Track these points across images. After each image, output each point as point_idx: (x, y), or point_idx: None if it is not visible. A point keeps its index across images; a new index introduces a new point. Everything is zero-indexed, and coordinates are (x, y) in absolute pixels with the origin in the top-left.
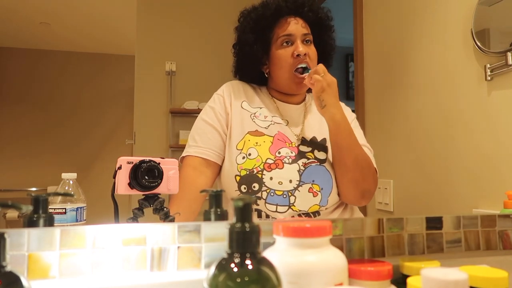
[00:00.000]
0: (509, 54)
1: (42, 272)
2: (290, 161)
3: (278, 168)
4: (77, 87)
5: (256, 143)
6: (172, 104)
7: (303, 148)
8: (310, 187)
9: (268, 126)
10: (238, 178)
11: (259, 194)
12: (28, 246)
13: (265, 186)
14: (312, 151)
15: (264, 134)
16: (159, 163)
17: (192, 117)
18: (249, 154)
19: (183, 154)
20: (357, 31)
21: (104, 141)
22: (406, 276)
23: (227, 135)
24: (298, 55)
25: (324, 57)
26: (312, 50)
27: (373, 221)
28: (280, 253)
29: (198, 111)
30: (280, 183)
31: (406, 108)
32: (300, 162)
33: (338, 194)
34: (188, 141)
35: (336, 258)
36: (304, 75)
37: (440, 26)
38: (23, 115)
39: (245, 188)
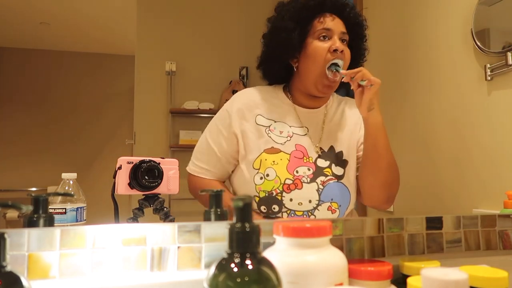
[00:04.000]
0: (509, 54)
1: (42, 272)
2: (309, 180)
3: (297, 189)
4: (77, 87)
5: (273, 161)
6: (172, 104)
7: (321, 163)
8: (329, 206)
9: (285, 142)
10: (257, 199)
11: (279, 215)
12: (28, 246)
13: (285, 207)
14: (329, 166)
15: (280, 151)
16: (159, 163)
17: (192, 117)
18: (267, 175)
19: (189, 170)
20: None
21: (104, 141)
22: (406, 276)
23: (231, 156)
24: (335, 50)
25: (355, 63)
26: (347, 51)
27: (373, 221)
28: (280, 253)
29: (198, 111)
30: (300, 204)
31: (406, 108)
32: (319, 180)
33: (360, 199)
34: (194, 154)
35: (336, 258)
36: (336, 77)
37: (440, 26)
38: (23, 115)
39: (264, 209)
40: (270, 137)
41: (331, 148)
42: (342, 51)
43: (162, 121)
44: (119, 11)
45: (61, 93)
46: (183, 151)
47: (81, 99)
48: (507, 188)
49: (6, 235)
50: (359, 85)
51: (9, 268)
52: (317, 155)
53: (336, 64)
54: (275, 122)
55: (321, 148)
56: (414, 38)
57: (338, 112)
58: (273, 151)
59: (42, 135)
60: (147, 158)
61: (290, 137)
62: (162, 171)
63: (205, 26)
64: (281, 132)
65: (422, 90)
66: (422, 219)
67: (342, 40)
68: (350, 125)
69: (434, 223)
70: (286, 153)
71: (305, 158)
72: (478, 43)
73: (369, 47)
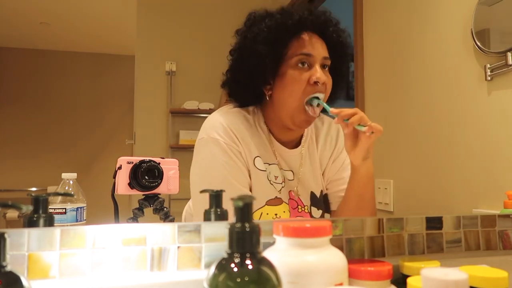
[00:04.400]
0: (509, 54)
1: (42, 272)
2: None
3: None
4: (77, 87)
5: (275, 215)
6: (172, 104)
7: (315, 212)
8: None
9: (281, 189)
10: None
11: None
12: (28, 246)
13: None
14: (322, 215)
15: (283, 202)
16: (159, 163)
17: (192, 117)
18: None
19: None
20: (357, 31)
21: (104, 141)
22: (406, 276)
23: None
24: (315, 82)
25: (336, 87)
26: (329, 79)
27: (373, 221)
28: (280, 253)
29: (198, 111)
30: None
31: (406, 108)
32: None
33: None
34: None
35: (336, 258)
36: (316, 113)
37: (440, 26)
38: (23, 115)
39: None
40: (272, 185)
41: (319, 192)
42: (323, 83)
43: (162, 121)
44: (119, 11)
45: (61, 93)
46: (183, 151)
47: (81, 99)
48: (507, 188)
49: (6, 235)
50: (353, 128)
51: (9, 268)
52: (310, 203)
53: (316, 98)
54: (269, 165)
55: (311, 193)
56: (414, 38)
57: (316, 146)
58: (275, 202)
59: (42, 135)
60: (147, 158)
61: (284, 183)
62: (162, 171)
63: (205, 26)
64: (276, 178)
65: (422, 90)
66: (422, 219)
67: (323, 66)
68: (325, 160)
69: (434, 223)
70: (286, 203)
71: (299, 207)
72: (478, 43)
73: (368, 47)
